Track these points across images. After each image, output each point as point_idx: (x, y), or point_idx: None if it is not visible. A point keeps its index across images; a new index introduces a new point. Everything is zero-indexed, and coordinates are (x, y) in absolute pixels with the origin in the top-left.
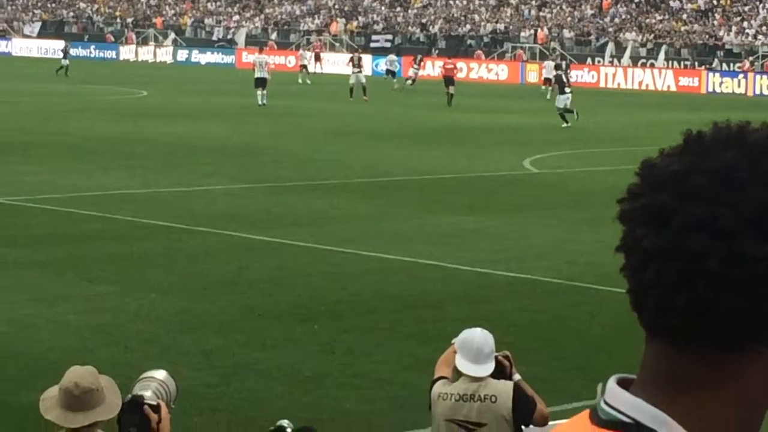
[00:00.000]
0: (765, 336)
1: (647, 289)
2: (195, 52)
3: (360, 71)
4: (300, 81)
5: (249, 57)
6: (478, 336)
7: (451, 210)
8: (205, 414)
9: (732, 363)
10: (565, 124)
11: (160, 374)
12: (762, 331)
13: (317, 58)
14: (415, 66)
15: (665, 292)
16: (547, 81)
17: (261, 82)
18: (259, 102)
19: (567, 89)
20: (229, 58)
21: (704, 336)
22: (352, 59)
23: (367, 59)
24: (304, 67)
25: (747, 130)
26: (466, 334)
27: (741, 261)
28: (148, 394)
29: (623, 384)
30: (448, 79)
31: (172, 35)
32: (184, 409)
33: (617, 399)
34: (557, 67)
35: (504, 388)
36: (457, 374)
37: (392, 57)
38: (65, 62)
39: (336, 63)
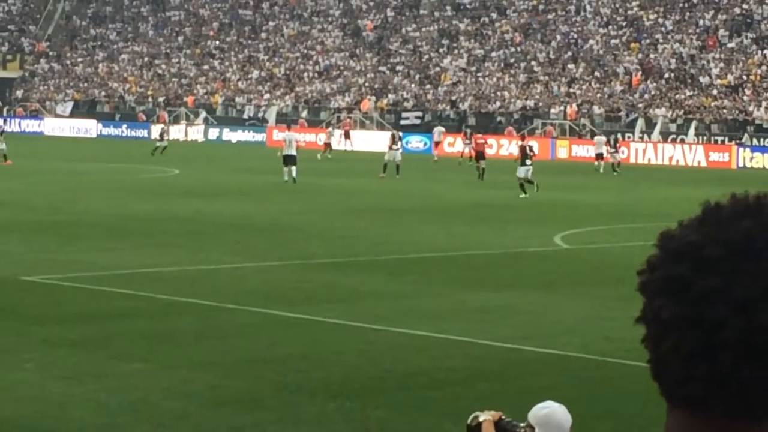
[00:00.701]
0: None
1: (666, 360)
2: (226, 130)
3: (399, 149)
4: (319, 157)
5: (280, 135)
6: (560, 411)
7: (482, 286)
8: None
9: None
10: (522, 195)
11: None
12: None
13: (347, 136)
14: (467, 140)
15: (684, 363)
16: (598, 156)
17: (291, 160)
18: (286, 178)
19: (528, 162)
20: (260, 136)
21: (724, 406)
22: (393, 136)
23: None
24: (328, 145)
25: (764, 201)
26: (547, 410)
27: (759, 331)
28: None
29: None
30: (480, 154)
31: (204, 114)
32: None
33: None
34: (522, 138)
35: None
36: None
37: (440, 128)
38: (162, 143)
39: (365, 140)
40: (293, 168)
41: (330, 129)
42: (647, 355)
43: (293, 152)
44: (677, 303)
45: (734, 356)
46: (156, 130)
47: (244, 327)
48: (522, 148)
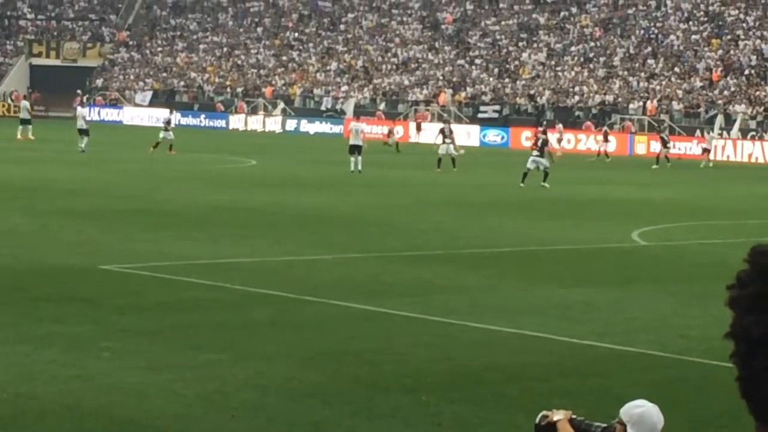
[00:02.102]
0: None
1: (756, 378)
2: (304, 121)
3: (451, 143)
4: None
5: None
6: (654, 412)
7: (559, 282)
8: None
9: None
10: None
11: None
12: None
13: (418, 128)
14: (602, 138)
15: None
16: (705, 151)
17: (356, 149)
18: (352, 168)
19: (535, 153)
20: (337, 128)
21: None
22: (442, 130)
23: (474, 130)
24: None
25: None
26: (641, 410)
27: None
28: None
29: None
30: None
31: (282, 105)
32: None
33: None
34: (545, 131)
35: None
36: None
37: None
38: (167, 135)
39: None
40: (359, 158)
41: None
42: (736, 372)
43: (359, 142)
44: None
45: None
46: (238, 120)
47: (320, 319)
48: (544, 141)
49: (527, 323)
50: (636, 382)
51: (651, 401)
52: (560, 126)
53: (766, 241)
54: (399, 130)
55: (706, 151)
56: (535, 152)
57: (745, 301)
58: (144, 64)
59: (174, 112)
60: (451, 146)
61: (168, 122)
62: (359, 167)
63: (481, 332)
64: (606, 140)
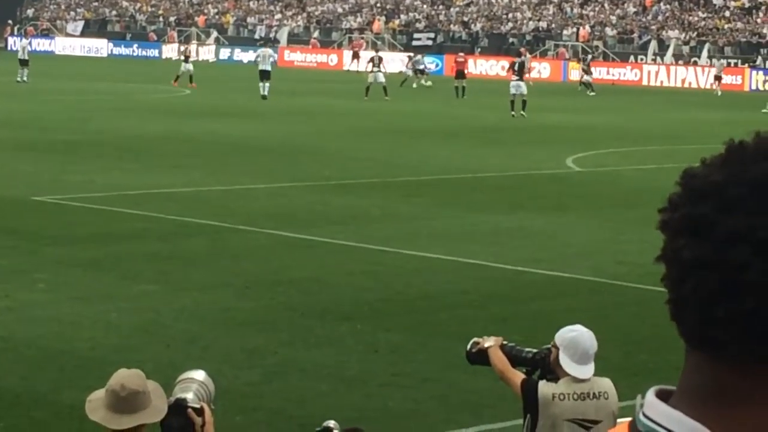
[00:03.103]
0: None
1: (686, 301)
2: (237, 50)
3: (379, 71)
4: (415, 86)
5: (291, 56)
6: (586, 336)
7: (494, 209)
8: (247, 413)
9: None
10: (513, 113)
11: (200, 375)
12: None
13: (355, 56)
14: (585, 67)
15: (705, 304)
16: (717, 78)
17: (265, 75)
18: (262, 92)
19: (514, 77)
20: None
21: (745, 348)
22: (372, 59)
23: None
24: (421, 72)
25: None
26: (573, 334)
27: None
28: (190, 396)
29: (662, 396)
30: (460, 73)
31: (215, 34)
32: (226, 409)
33: (656, 411)
34: (519, 54)
35: (610, 385)
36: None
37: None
38: (187, 67)
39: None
40: (267, 84)
41: (417, 57)
42: (666, 295)
43: (268, 67)
44: (699, 243)
45: (756, 298)
46: (101, 45)
47: (255, 249)
48: (511, 64)
49: (461, 250)
50: (571, 308)
51: (586, 326)
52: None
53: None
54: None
55: (717, 78)
56: (515, 77)
57: (676, 223)
58: None
59: (192, 43)
60: (380, 74)
61: (187, 54)
62: (265, 92)
63: (416, 260)
64: (588, 72)
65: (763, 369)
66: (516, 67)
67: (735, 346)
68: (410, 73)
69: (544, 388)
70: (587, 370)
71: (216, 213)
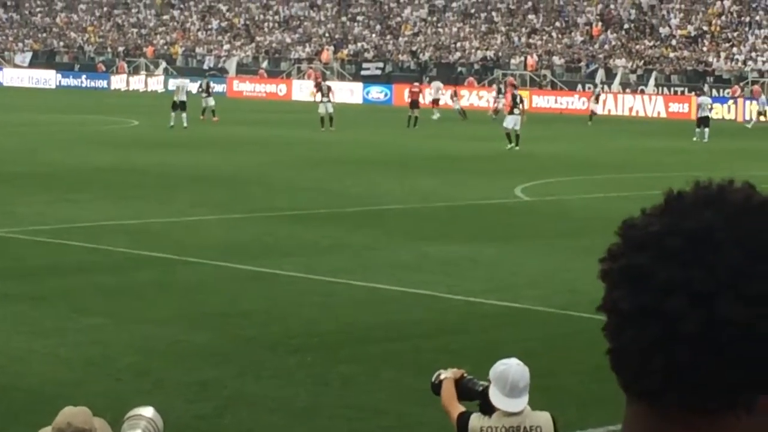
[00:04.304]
0: (742, 400)
1: (625, 352)
2: (186, 81)
3: (329, 101)
4: (434, 118)
5: (240, 86)
6: (515, 369)
7: (443, 239)
8: None
9: (710, 426)
10: (509, 146)
11: (148, 412)
12: (739, 396)
13: (317, 86)
14: (499, 94)
15: (642, 355)
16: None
17: (181, 105)
18: (172, 123)
19: (516, 111)
20: (219, 87)
21: (682, 399)
22: (320, 89)
23: (358, 87)
24: (436, 101)
25: (727, 190)
26: (503, 367)
27: (718, 324)
28: None
29: None
30: (414, 103)
31: (163, 64)
32: None
33: None
34: (515, 87)
35: (546, 418)
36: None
37: (438, 84)
38: (209, 102)
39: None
40: (184, 114)
41: (434, 84)
42: (607, 345)
43: (184, 98)
44: (636, 294)
45: (692, 349)
46: (49, 76)
47: (205, 280)
48: (513, 97)
49: (412, 281)
50: (522, 338)
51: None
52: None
53: (648, 194)
54: (461, 94)
55: (435, 101)
56: (516, 111)
57: (615, 274)
58: (23, 25)
59: (209, 77)
60: (328, 105)
61: (207, 89)
62: (185, 124)
63: (366, 291)
64: (597, 101)
65: (697, 419)
66: (517, 101)
67: (671, 397)
68: (458, 106)
69: (474, 421)
70: (516, 404)
71: (165, 245)
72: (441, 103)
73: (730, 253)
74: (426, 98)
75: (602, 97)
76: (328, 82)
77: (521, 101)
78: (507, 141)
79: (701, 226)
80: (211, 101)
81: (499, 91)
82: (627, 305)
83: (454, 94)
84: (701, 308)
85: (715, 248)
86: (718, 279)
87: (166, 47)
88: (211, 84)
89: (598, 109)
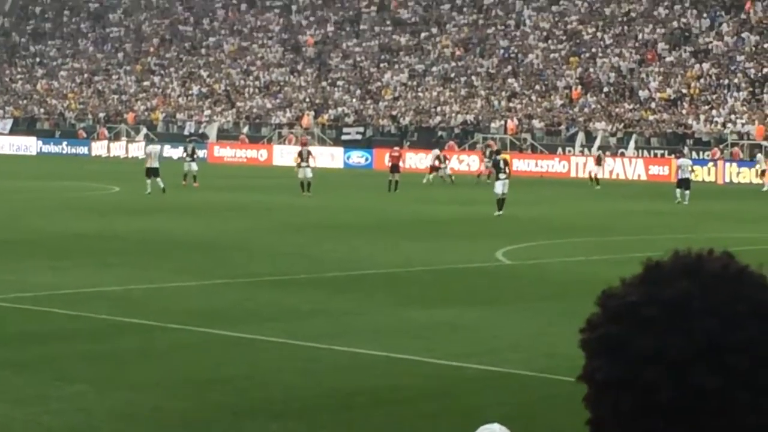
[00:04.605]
0: None
1: (604, 421)
2: (167, 146)
3: (308, 166)
4: (424, 181)
5: (221, 151)
6: None
7: (425, 303)
8: None
9: None
10: (498, 213)
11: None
12: None
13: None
14: (486, 158)
15: (621, 425)
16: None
17: (154, 172)
18: (149, 190)
19: (502, 176)
20: (200, 153)
21: None
22: (300, 153)
23: (338, 152)
24: (435, 168)
25: (704, 259)
26: (485, 431)
27: (692, 393)
28: None
29: None
30: (394, 167)
31: (144, 130)
32: None
33: None
34: (497, 152)
35: None
36: None
37: (436, 151)
38: (192, 167)
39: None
40: (158, 179)
41: (435, 151)
42: (587, 414)
43: (156, 164)
44: (613, 364)
45: (667, 420)
46: (30, 143)
47: (187, 347)
48: (495, 163)
49: (394, 345)
50: (503, 402)
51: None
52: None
53: (630, 257)
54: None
55: (434, 168)
56: (503, 175)
57: (594, 343)
58: (3, 92)
59: (194, 142)
60: (308, 170)
61: (192, 153)
62: (162, 186)
63: (348, 356)
64: (598, 164)
65: None
66: (501, 165)
67: None
68: (446, 170)
69: None
70: None
71: (147, 312)
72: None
73: (706, 322)
74: (422, 163)
75: (604, 160)
76: (308, 147)
77: (506, 164)
78: (497, 208)
79: (678, 295)
80: (195, 166)
81: (486, 155)
82: (604, 375)
83: (442, 159)
84: (675, 378)
85: (691, 317)
86: (693, 347)
87: (146, 113)
88: (196, 149)
89: (600, 173)
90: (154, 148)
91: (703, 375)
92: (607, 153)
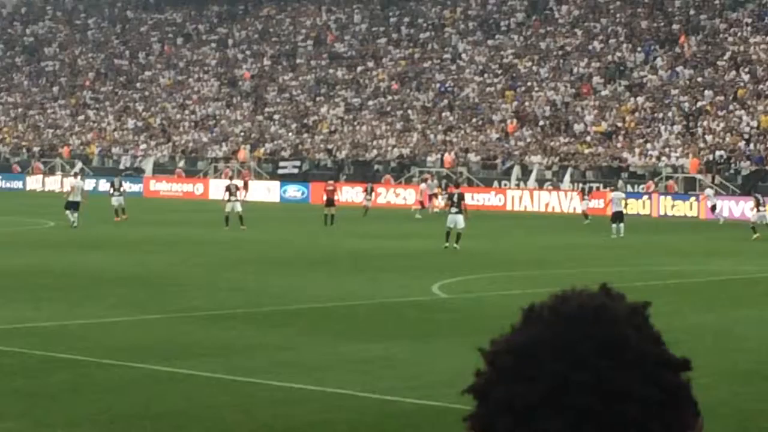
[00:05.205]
0: None
1: None
2: (102, 180)
3: (237, 200)
4: (430, 211)
5: (157, 185)
6: None
7: (361, 337)
8: None
9: None
10: (446, 245)
11: None
12: None
13: (245, 186)
14: (443, 192)
15: None
16: (713, 209)
17: (74, 205)
18: (72, 223)
19: (454, 209)
20: (136, 187)
21: None
22: (228, 187)
23: (275, 186)
24: (421, 202)
25: (566, 300)
26: None
27: None
28: None
29: None
30: (329, 201)
31: (79, 164)
32: None
33: None
34: (457, 185)
35: None
36: None
37: (424, 184)
38: (118, 200)
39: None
40: (76, 214)
41: (422, 185)
42: None
43: (78, 199)
44: (479, 414)
45: None
46: (35, 181)
47: (121, 383)
48: (449, 196)
49: (329, 380)
50: None
51: None
52: (423, 186)
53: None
54: (378, 191)
55: (421, 203)
56: (454, 209)
57: (469, 392)
58: None
59: (121, 176)
60: (237, 204)
61: (119, 187)
62: (75, 224)
63: (283, 391)
64: (584, 198)
65: None
66: (454, 199)
67: None
68: (368, 202)
69: None
70: None
71: (81, 347)
72: (413, 202)
73: (552, 365)
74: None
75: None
76: (235, 181)
77: (460, 199)
78: (453, 242)
79: (528, 342)
80: (122, 200)
81: (442, 188)
82: (471, 424)
83: (369, 191)
84: (524, 425)
85: (539, 362)
86: (538, 393)
87: (82, 147)
88: (123, 183)
89: (584, 206)
90: (78, 182)
91: (548, 419)
92: (543, 186)
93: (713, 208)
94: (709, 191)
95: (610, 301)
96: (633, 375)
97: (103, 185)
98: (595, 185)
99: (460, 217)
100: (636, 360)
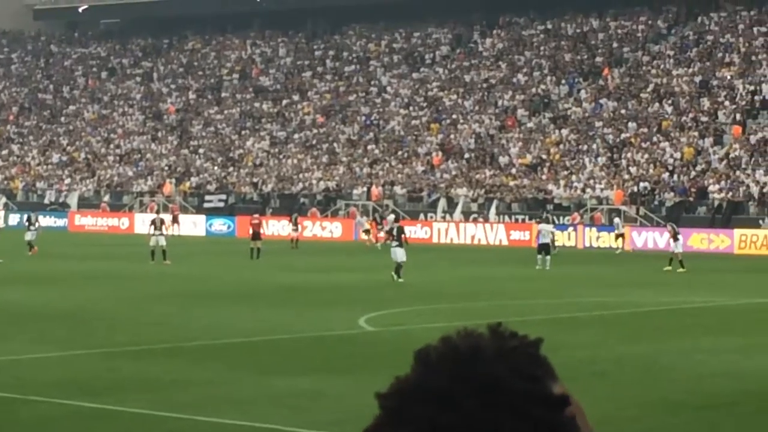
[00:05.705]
0: None
1: None
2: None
3: (161, 234)
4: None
5: (82, 220)
6: None
7: (288, 371)
8: None
9: None
10: (396, 277)
11: None
12: None
13: (174, 220)
14: (294, 225)
15: None
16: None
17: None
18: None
19: (395, 243)
20: (61, 221)
21: None
22: (153, 222)
23: (201, 219)
24: (367, 231)
25: (445, 344)
26: None
27: None
28: None
29: None
30: (255, 234)
31: (4, 199)
32: None
33: None
34: (396, 220)
35: None
36: None
37: (392, 216)
38: (30, 236)
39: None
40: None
41: (357, 218)
42: None
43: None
44: None
45: None
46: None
47: (47, 420)
48: (390, 230)
49: (257, 414)
50: None
51: None
52: (391, 216)
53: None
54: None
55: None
56: (395, 243)
57: None
58: None
59: (36, 212)
60: (161, 238)
61: (34, 222)
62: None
63: (211, 426)
64: (620, 236)
65: None
66: (395, 232)
67: None
68: (295, 234)
69: None
70: None
71: (5, 383)
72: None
73: (423, 408)
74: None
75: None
76: (163, 215)
77: (400, 232)
78: (396, 274)
79: (412, 384)
80: (31, 235)
81: (292, 220)
82: None
83: (294, 221)
84: None
85: (411, 405)
86: None
87: (5, 182)
88: (36, 217)
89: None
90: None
91: None
92: (469, 219)
93: (619, 236)
94: (617, 221)
95: (488, 342)
96: (503, 414)
97: None
98: (521, 217)
99: (401, 251)
100: (507, 399)
